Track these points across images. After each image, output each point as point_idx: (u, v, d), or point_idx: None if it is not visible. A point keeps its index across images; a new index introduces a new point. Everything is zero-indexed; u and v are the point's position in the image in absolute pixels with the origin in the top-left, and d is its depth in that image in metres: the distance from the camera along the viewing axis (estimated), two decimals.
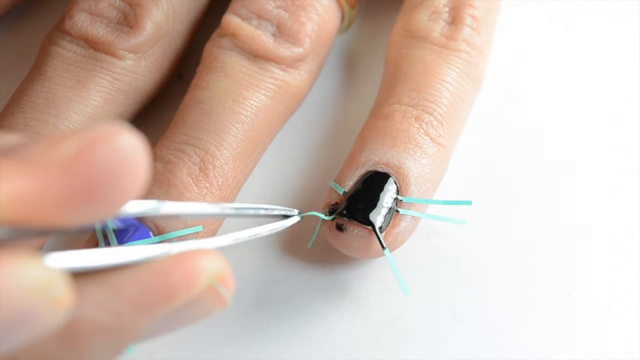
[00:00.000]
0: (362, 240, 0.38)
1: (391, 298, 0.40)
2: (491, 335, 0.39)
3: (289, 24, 0.42)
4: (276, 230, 0.36)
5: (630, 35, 0.47)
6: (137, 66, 0.42)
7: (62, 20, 0.42)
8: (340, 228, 0.38)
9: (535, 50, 0.47)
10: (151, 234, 0.37)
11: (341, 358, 0.39)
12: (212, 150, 0.39)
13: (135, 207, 0.29)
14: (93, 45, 0.42)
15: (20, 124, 0.40)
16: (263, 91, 0.41)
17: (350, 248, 0.39)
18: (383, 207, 0.38)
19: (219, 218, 0.40)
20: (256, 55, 0.42)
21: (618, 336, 0.39)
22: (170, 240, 0.37)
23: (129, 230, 0.37)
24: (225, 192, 0.40)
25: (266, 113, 0.41)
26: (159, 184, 0.39)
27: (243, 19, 0.42)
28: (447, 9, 0.43)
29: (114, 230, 0.37)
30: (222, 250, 0.30)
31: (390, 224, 0.38)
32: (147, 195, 0.38)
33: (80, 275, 0.27)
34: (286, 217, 0.37)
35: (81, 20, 0.42)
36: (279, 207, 0.36)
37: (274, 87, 0.42)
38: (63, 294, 0.24)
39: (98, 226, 0.28)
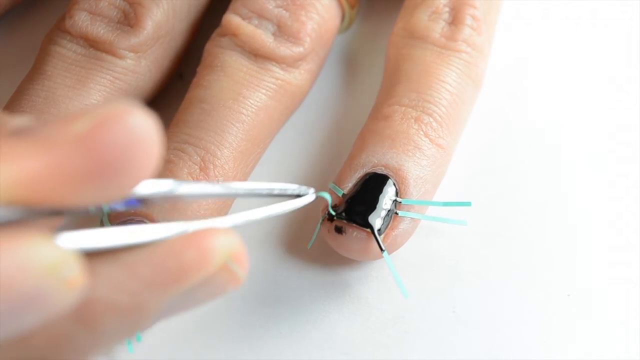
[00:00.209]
0: (361, 243, 0.38)
1: (392, 298, 0.40)
2: (492, 334, 0.39)
3: (290, 23, 0.42)
4: (290, 209, 0.35)
5: (630, 35, 0.47)
6: (138, 65, 0.42)
7: (62, 20, 0.42)
8: (339, 230, 0.38)
9: (536, 51, 0.47)
10: None
11: (341, 357, 0.39)
12: (213, 149, 0.39)
13: (152, 187, 0.28)
14: (93, 45, 0.42)
15: None
16: (263, 90, 0.41)
17: (349, 250, 0.39)
18: (382, 209, 0.38)
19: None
20: (257, 55, 0.42)
21: (618, 336, 0.39)
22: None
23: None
24: None
25: (266, 112, 0.41)
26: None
27: (244, 19, 0.42)
28: (447, 9, 0.43)
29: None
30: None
31: (389, 226, 0.38)
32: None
33: (93, 255, 0.27)
34: (299, 196, 0.36)
35: (81, 20, 0.42)
36: (293, 185, 0.36)
37: (274, 86, 0.42)
38: (75, 274, 0.24)
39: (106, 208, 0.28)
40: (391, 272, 0.38)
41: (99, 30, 0.42)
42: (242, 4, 0.42)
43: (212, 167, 0.39)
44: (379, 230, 0.38)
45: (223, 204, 0.40)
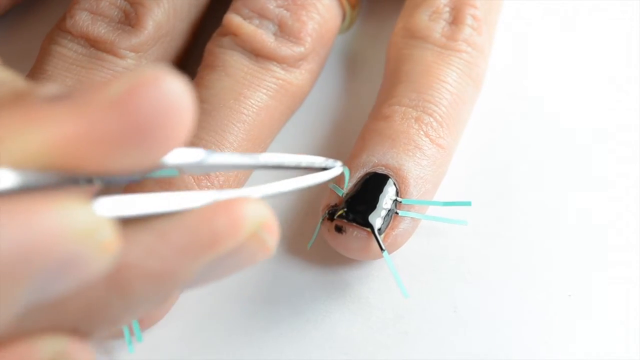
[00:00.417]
0: (361, 242, 0.38)
1: (392, 297, 0.40)
2: (492, 334, 0.39)
3: (290, 23, 0.42)
4: (319, 182, 0.34)
5: (630, 35, 0.47)
6: (138, 65, 0.42)
7: (63, 20, 0.42)
8: (339, 230, 0.38)
9: (536, 51, 0.47)
10: None
11: (342, 357, 0.39)
12: (214, 149, 0.39)
13: (183, 156, 0.28)
14: (94, 44, 0.42)
15: None
16: (264, 90, 0.41)
17: (349, 250, 0.39)
18: (382, 208, 0.38)
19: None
20: (257, 55, 0.42)
21: (618, 336, 0.39)
22: None
23: None
24: None
25: (267, 112, 0.41)
26: (160, 183, 0.38)
27: (244, 18, 0.42)
28: (447, 9, 0.43)
29: None
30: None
31: (389, 226, 0.38)
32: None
33: (125, 221, 0.26)
34: (325, 169, 0.36)
35: (82, 19, 0.42)
36: (320, 158, 0.35)
37: (275, 86, 0.42)
38: (110, 238, 0.24)
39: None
40: (391, 272, 0.38)
41: (100, 30, 0.42)
42: (243, 4, 0.42)
43: None
44: (379, 229, 0.38)
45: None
